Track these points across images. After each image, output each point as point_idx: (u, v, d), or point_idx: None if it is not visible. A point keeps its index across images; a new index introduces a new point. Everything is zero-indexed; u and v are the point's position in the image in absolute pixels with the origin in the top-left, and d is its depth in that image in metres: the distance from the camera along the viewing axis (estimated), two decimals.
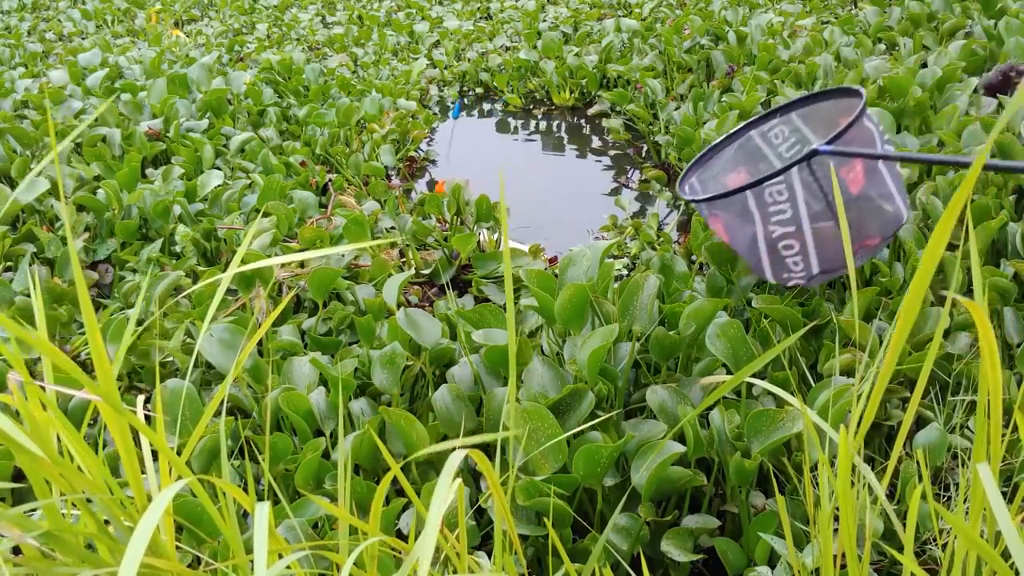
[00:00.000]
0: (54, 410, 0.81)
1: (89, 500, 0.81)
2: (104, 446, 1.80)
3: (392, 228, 2.84)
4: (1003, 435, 1.59)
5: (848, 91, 2.09)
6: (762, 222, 1.90)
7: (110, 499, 0.80)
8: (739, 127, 2.31)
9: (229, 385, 1.87)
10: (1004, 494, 1.52)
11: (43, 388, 0.80)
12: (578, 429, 1.43)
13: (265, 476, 0.97)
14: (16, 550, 1.11)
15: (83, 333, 2.20)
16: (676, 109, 3.67)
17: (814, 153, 1.82)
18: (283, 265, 2.49)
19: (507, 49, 5.03)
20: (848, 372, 1.76)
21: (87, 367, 2.06)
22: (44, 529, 0.75)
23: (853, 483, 1.09)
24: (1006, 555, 1.22)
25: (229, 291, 2.44)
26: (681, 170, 3.26)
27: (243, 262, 2.22)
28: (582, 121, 4.22)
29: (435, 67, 4.88)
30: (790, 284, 1.97)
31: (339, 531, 0.94)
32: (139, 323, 2.20)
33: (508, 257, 0.82)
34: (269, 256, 2.48)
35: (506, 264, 0.79)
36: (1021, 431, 0.81)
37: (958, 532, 0.83)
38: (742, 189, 1.88)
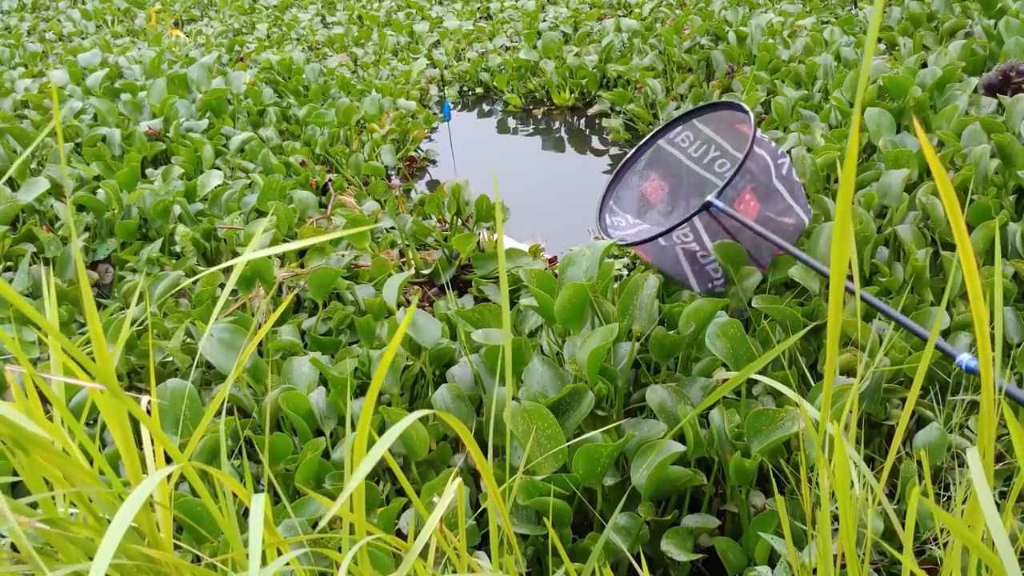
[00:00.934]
0: (56, 402, 0.81)
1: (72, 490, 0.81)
2: (104, 446, 1.80)
3: (392, 228, 2.84)
4: (1001, 435, 1.60)
5: (738, 107, 2.24)
6: (678, 247, 2.09)
7: (108, 492, 0.80)
8: (646, 139, 2.44)
9: (229, 385, 1.87)
10: (1004, 493, 1.52)
11: (45, 380, 0.80)
12: (583, 438, 1.44)
13: (265, 473, 0.97)
14: (13, 547, 1.11)
15: (84, 333, 2.20)
16: (676, 109, 3.67)
17: (708, 205, 2.01)
18: (283, 265, 2.49)
19: (507, 49, 5.03)
20: (848, 372, 1.76)
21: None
22: (44, 516, 0.75)
23: (852, 483, 1.09)
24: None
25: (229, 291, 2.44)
26: None
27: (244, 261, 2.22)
28: (582, 121, 4.22)
29: (435, 67, 4.88)
30: (716, 291, 2.11)
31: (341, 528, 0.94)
32: (139, 323, 2.20)
33: (502, 248, 0.82)
34: (269, 256, 2.48)
35: (501, 256, 0.79)
36: (1011, 427, 0.81)
37: (952, 530, 0.83)
38: (650, 239, 2.06)
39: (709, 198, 2.02)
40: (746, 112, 2.16)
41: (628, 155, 2.44)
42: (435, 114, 4.31)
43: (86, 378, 0.75)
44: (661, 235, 2.04)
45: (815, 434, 0.99)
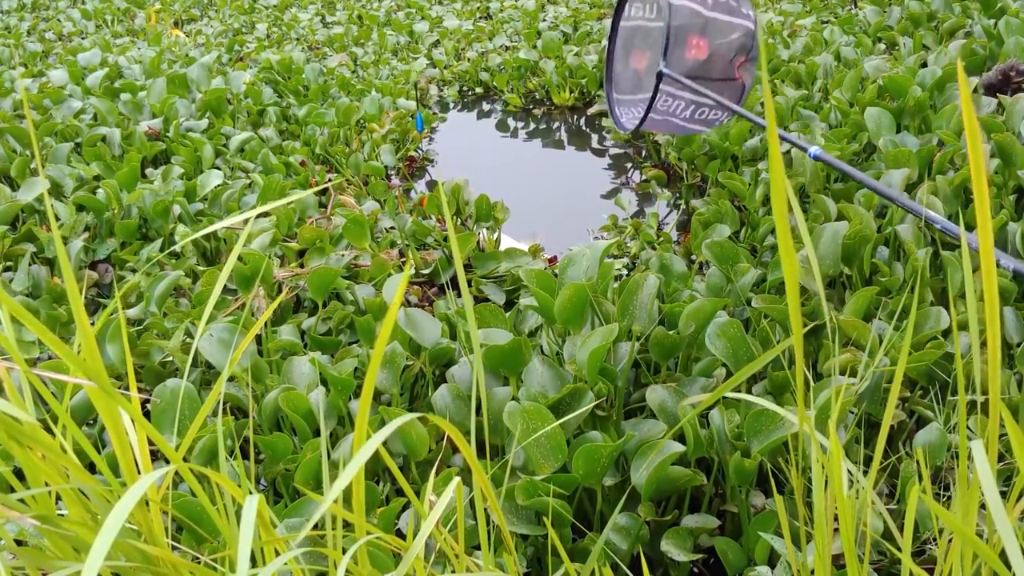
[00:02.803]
0: (47, 397, 0.81)
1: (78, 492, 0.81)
2: (104, 446, 1.80)
3: (392, 228, 2.84)
4: (1001, 435, 1.59)
5: None
6: (678, 118, 2.40)
7: (101, 488, 0.80)
8: (608, 35, 2.71)
9: (229, 385, 1.87)
10: (1004, 494, 1.52)
11: (40, 378, 0.80)
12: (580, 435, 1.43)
13: (253, 470, 0.97)
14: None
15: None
16: None
17: (661, 76, 2.31)
18: (282, 265, 2.49)
19: (507, 49, 5.03)
20: (848, 370, 1.76)
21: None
22: (37, 512, 0.75)
23: (852, 483, 1.09)
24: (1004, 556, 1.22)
25: (229, 291, 2.44)
26: (681, 170, 3.27)
27: (242, 263, 2.22)
28: (582, 121, 4.22)
29: (435, 67, 4.88)
30: (723, 120, 2.47)
31: (330, 527, 0.94)
32: (139, 323, 2.20)
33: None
34: (268, 256, 2.48)
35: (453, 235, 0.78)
36: (1009, 429, 0.81)
37: (951, 527, 0.83)
38: (642, 122, 2.39)
39: (660, 68, 2.29)
40: None
41: (605, 49, 2.71)
42: (434, 114, 4.31)
43: (76, 364, 0.75)
44: (645, 118, 2.36)
45: (814, 435, 0.99)
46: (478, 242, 2.69)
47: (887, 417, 0.93)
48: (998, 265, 1.55)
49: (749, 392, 1.75)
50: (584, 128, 4.15)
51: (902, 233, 2.12)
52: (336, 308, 2.18)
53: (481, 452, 1.71)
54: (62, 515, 0.93)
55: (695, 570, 1.60)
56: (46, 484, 0.84)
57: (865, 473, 1.48)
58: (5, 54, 5.05)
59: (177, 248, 2.64)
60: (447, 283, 2.55)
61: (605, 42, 2.70)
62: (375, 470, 1.70)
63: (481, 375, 0.92)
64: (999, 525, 0.65)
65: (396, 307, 0.68)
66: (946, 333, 1.84)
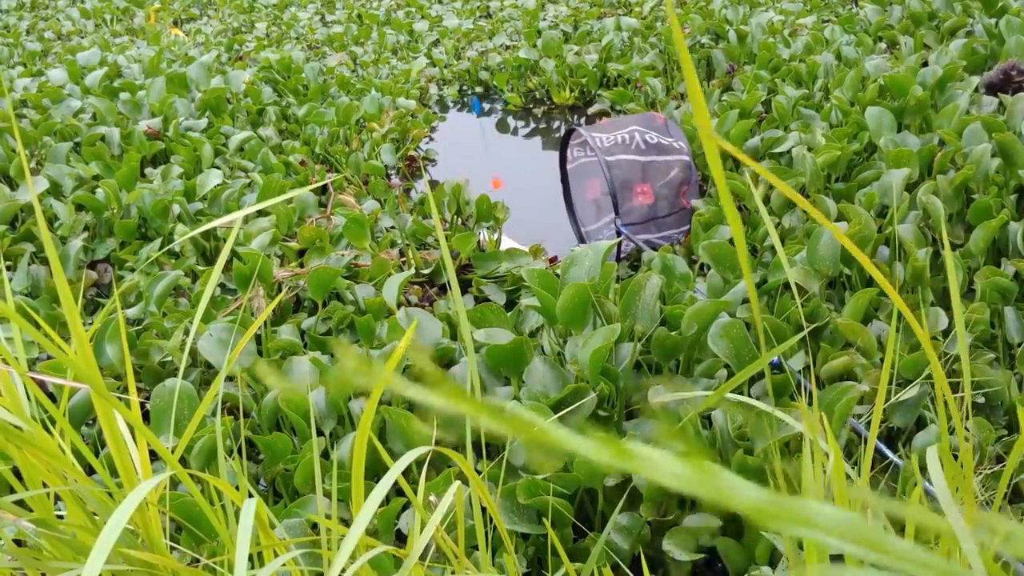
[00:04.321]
0: (43, 399, 0.80)
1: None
2: (103, 446, 1.80)
3: (392, 227, 2.83)
4: (1002, 436, 1.59)
5: (568, 133, 2.80)
6: (647, 242, 2.60)
7: (98, 490, 0.80)
8: (560, 178, 2.90)
9: (229, 385, 1.87)
10: (1006, 495, 1.52)
11: (37, 381, 0.79)
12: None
13: (246, 468, 0.97)
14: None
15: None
16: (677, 108, 3.66)
17: (618, 231, 2.52)
18: (282, 265, 2.49)
19: (507, 48, 5.03)
20: (847, 373, 1.76)
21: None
22: (35, 516, 0.75)
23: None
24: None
25: (229, 291, 2.43)
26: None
27: (242, 262, 2.22)
28: (582, 120, 4.22)
29: (435, 66, 4.88)
30: (685, 235, 2.61)
31: (322, 529, 0.93)
32: (138, 323, 2.19)
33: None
34: (268, 256, 2.47)
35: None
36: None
37: (936, 533, 0.82)
38: (620, 258, 2.57)
39: (618, 227, 2.51)
40: (572, 132, 2.74)
41: (566, 196, 2.90)
42: (435, 112, 4.30)
43: (69, 364, 0.74)
44: (619, 237, 2.52)
45: (815, 439, 0.98)
46: (478, 242, 2.69)
47: (876, 419, 0.93)
48: None
49: (749, 392, 1.75)
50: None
51: (902, 233, 2.12)
52: (336, 308, 2.18)
53: (481, 453, 1.71)
54: (60, 515, 0.92)
55: (696, 570, 1.59)
56: (44, 485, 0.84)
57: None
58: (4, 53, 5.05)
59: (176, 247, 2.64)
60: (448, 283, 2.54)
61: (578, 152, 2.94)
62: (375, 470, 1.69)
63: (476, 374, 0.91)
64: (957, 530, 0.64)
65: (409, 336, 0.67)
66: (947, 333, 1.83)
